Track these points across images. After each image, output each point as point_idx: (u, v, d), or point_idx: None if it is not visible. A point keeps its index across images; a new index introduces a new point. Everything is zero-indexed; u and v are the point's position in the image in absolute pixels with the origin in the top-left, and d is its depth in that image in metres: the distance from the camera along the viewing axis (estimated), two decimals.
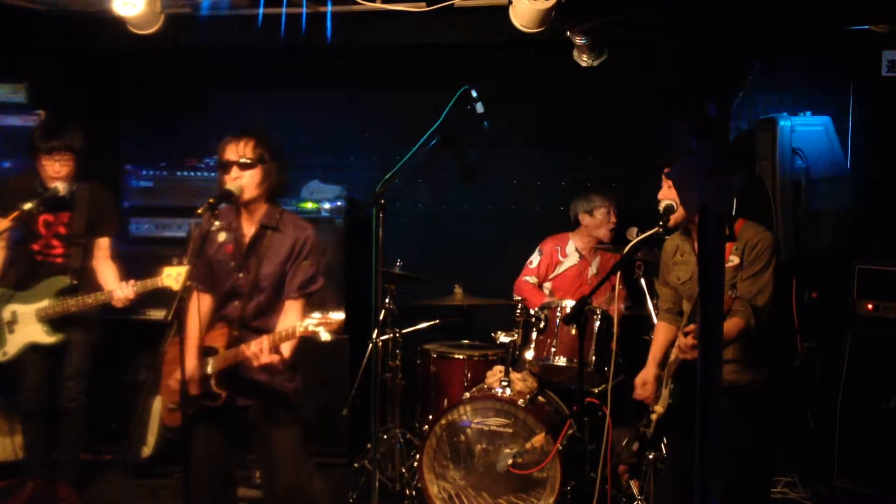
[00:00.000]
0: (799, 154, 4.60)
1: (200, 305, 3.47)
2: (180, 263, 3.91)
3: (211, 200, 3.37)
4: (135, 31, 4.60)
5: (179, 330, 3.41)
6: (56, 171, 4.38)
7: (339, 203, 5.33)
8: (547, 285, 5.18)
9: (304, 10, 4.97)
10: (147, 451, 5.01)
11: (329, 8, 5.01)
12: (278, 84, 5.89)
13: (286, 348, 3.38)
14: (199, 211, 3.38)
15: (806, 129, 4.70)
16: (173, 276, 3.87)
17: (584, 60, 4.76)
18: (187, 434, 3.47)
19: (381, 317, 4.74)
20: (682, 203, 3.39)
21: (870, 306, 4.54)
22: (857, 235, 4.74)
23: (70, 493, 4.61)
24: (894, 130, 5.10)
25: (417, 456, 4.43)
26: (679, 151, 3.78)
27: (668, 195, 3.56)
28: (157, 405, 5.03)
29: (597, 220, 5.07)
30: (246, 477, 4.64)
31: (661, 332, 3.86)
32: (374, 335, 4.64)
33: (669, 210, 3.50)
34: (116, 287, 4.25)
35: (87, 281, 4.46)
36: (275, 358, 3.29)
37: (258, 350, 3.28)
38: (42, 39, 5.58)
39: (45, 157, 4.35)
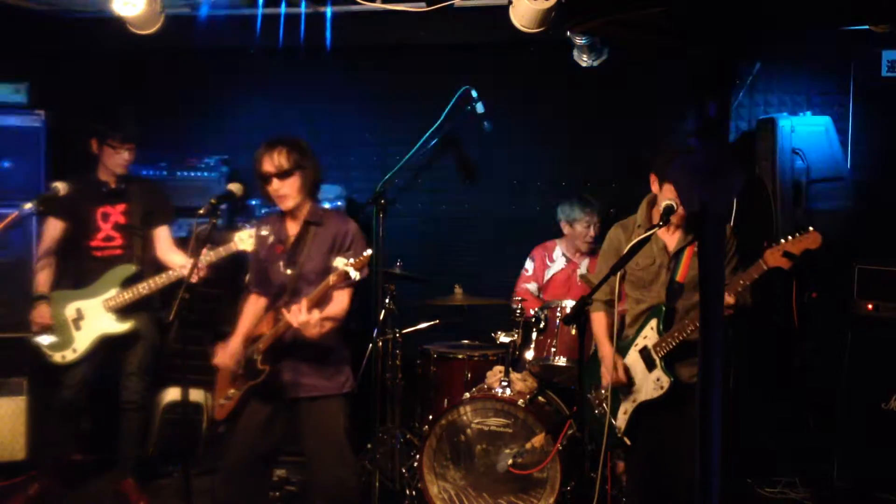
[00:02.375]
0: (799, 154, 4.61)
1: (256, 307, 3.73)
2: (252, 227, 3.96)
3: (213, 201, 3.39)
4: (135, 31, 4.60)
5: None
6: (125, 160, 4.47)
7: (339, 203, 5.32)
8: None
9: (304, 10, 4.97)
10: (147, 451, 5.01)
11: (329, 8, 5.01)
12: (278, 84, 5.89)
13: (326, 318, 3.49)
14: (201, 211, 3.40)
15: (806, 129, 4.71)
16: (245, 238, 3.94)
17: (584, 60, 4.76)
18: (232, 424, 3.64)
19: (381, 317, 4.75)
20: (683, 203, 3.38)
21: (870, 306, 4.54)
22: (857, 235, 4.74)
23: (134, 488, 4.60)
24: (894, 131, 5.11)
25: (417, 456, 4.43)
26: (669, 150, 3.74)
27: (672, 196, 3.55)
28: (161, 404, 5.04)
29: (576, 231, 5.04)
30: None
31: (603, 321, 3.80)
32: (374, 335, 4.65)
33: (670, 210, 3.48)
34: (186, 262, 4.26)
35: (148, 269, 4.47)
36: (315, 315, 3.38)
37: (297, 309, 3.38)
38: (42, 39, 5.58)
39: (120, 147, 4.43)
